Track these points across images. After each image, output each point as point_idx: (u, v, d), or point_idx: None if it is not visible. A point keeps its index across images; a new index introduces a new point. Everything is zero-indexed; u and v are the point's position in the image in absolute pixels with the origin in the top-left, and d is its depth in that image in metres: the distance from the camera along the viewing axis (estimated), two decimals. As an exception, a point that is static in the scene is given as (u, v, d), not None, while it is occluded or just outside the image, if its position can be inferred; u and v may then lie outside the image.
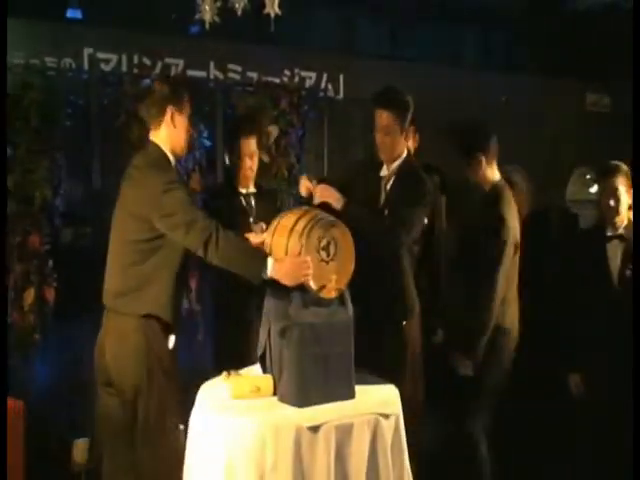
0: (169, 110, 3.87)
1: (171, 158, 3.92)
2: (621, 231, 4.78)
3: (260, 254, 3.67)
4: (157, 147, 3.89)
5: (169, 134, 3.90)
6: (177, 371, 3.94)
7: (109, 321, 3.88)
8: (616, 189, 4.74)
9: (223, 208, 4.63)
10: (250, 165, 4.91)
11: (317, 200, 4.16)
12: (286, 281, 3.58)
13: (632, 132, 4.99)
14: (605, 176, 4.82)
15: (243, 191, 4.93)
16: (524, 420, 5.25)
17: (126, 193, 3.89)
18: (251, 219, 4.75)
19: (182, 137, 3.93)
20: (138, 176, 3.87)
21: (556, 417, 5.27)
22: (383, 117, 4.43)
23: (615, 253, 4.79)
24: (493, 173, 4.63)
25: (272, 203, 5.16)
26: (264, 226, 4.13)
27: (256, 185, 5.01)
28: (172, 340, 3.94)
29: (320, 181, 4.37)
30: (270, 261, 3.61)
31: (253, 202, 4.93)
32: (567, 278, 5.11)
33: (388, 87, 4.56)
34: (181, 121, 3.91)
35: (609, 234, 4.82)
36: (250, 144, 4.90)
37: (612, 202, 4.74)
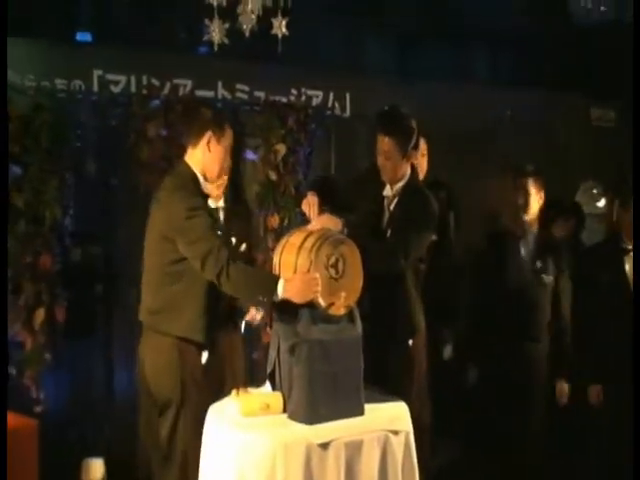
0: (207, 135, 4.01)
1: (201, 180, 4.05)
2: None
3: (270, 279, 3.74)
4: (188, 168, 4.04)
5: (203, 158, 4.04)
6: (210, 385, 4.13)
7: (146, 336, 4.07)
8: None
9: None
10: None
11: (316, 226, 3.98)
12: (297, 299, 3.63)
13: (633, 132, 5.03)
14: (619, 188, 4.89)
15: (212, 205, 4.46)
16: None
17: (154, 215, 4.03)
18: (219, 232, 4.30)
19: (215, 163, 4.06)
20: (165, 199, 3.99)
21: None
22: (384, 142, 4.39)
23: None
24: None
25: (244, 219, 4.87)
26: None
27: (227, 199, 4.68)
28: (205, 356, 4.11)
29: (323, 183, 4.39)
30: (281, 282, 3.66)
31: (222, 216, 4.64)
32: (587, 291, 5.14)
33: (391, 110, 4.53)
34: (217, 148, 4.04)
35: (626, 247, 4.86)
36: None
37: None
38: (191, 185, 4.00)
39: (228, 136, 4.10)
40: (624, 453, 4.47)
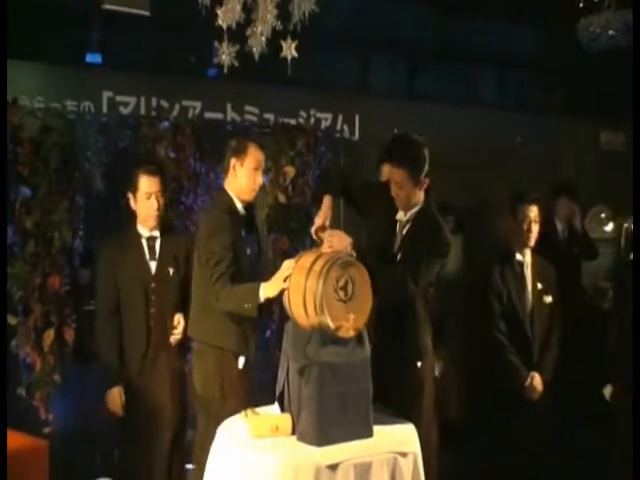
0: (232, 161, 4.50)
1: (236, 202, 4.53)
2: None
3: (253, 288, 4.10)
4: (224, 192, 4.56)
5: (232, 181, 4.53)
6: (249, 388, 4.50)
7: (194, 344, 4.61)
8: None
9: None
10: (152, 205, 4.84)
11: (326, 247, 4.03)
12: (271, 293, 3.99)
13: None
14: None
15: (145, 233, 4.89)
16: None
17: (196, 235, 4.59)
18: (153, 264, 4.87)
19: (243, 185, 4.51)
20: (200, 219, 4.74)
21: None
22: (396, 174, 4.33)
23: None
24: None
25: (181, 247, 4.94)
26: None
27: (162, 227, 4.93)
28: (242, 361, 4.47)
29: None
30: (262, 286, 4.04)
31: (157, 245, 4.90)
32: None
33: (401, 139, 4.49)
34: (242, 171, 4.50)
35: None
36: (151, 183, 4.82)
37: None
38: (223, 206, 4.49)
39: (252, 158, 4.51)
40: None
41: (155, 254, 4.87)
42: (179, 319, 4.80)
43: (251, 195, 4.59)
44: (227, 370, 4.44)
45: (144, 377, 4.78)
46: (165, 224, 4.98)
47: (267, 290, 4.03)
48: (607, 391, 4.98)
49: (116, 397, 4.69)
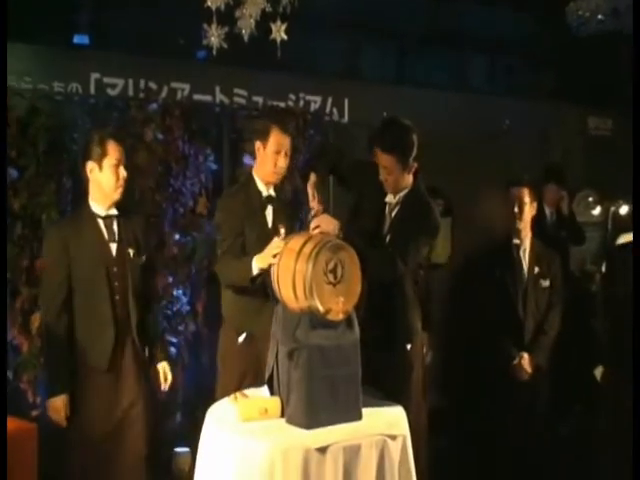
0: (257, 144, 4.60)
1: (259, 183, 4.65)
2: None
3: (245, 262, 4.25)
4: (249, 173, 4.73)
5: (258, 164, 4.65)
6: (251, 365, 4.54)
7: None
8: None
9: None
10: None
11: (313, 229, 4.05)
12: (262, 265, 4.08)
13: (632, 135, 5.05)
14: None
15: (101, 212, 4.35)
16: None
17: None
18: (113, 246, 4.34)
19: (265, 167, 4.59)
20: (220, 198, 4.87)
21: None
22: (385, 159, 4.34)
23: None
24: None
25: (139, 228, 4.54)
26: None
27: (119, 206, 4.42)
28: (242, 336, 4.59)
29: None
30: (254, 259, 4.18)
31: (115, 225, 4.39)
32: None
33: (390, 124, 4.45)
34: (264, 154, 4.57)
35: None
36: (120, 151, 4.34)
37: None
38: (244, 187, 4.70)
39: (274, 141, 4.54)
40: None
41: (114, 235, 4.35)
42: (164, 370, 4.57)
43: (274, 177, 4.63)
44: (227, 344, 4.66)
45: (110, 376, 4.28)
46: (121, 202, 4.42)
47: (259, 261, 4.14)
48: (598, 372, 5.00)
49: (59, 407, 4.20)
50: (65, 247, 4.23)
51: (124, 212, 4.43)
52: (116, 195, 4.31)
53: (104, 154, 4.24)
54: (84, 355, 4.24)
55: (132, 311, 4.34)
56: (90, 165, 4.27)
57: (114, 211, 4.36)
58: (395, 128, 4.40)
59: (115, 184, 4.28)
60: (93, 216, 4.32)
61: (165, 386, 4.58)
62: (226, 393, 4.06)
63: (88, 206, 4.34)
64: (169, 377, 4.58)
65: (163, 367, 4.56)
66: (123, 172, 4.30)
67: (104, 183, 4.27)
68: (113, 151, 4.26)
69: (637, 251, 4.67)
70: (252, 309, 4.54)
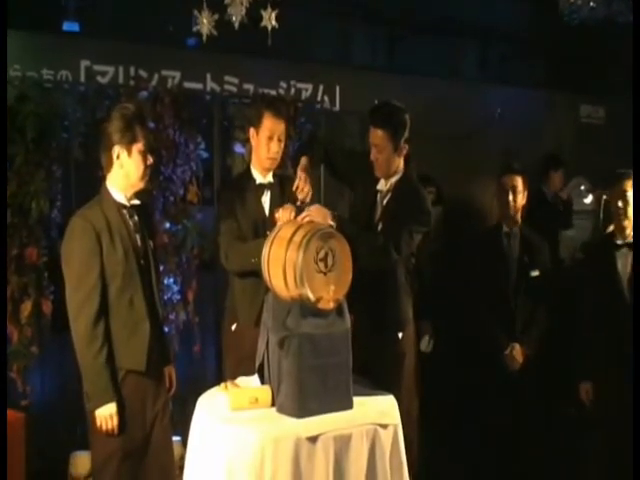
0: (251, 130, 4.58)
1: (253, 170, 4.64)
2: (630, 239, 4.79)
3: (257, 244, 4.08)
4: (246, 162, 4.88)
5: (252, 150, 4.67)
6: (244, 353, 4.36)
7: None
8: (625, 192, 4.80)
9: None
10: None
11: (303, 218, 3.98)
12: None
13: (632, 131, 5.05)
14: (615, 181, 4.91)
15: (123, 201, 4.00)
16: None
17: None
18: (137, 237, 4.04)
19: (259, 153, 4.57)
20: None
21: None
22: (376, 135, 4.40)
23: (625, 261, 4.81)
24: None
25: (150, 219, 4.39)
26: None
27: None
28: (234, 326, 4.61)
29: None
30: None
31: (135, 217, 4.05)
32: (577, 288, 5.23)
33: (384, 104, 4.53)
34: (257, 140, 4.55)
35: (619, 242, 4.85)
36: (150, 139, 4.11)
37: (620, 203, 4.81)
38: (239, 176, 4.84)
39: (266, 127, 4.50)
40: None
41: (137, 226, 3.99)
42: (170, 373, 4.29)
43: (269, 163, 4.59)
44: (225, 330, 4.72)
45: (145, 378, 3.97)
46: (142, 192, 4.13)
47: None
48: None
49: (111, 415, 3.82)
50: (97, 241, 3.80)
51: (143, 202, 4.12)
52: (142, 184, 3.98)
53: (134, 139, 3.86)
54: (119, 357, 3.86)
55: (159, 305, 4.10)
56: (117, 150, 3.86)
57: (136, 201, 4.01)
58: (388, 106, 4.49)
59: (143, 172, 3.93)
60: (118, 206, 3.93)
61: (170, 392, 4.26)
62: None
63: (109, 194, 3.93)
64: (174, 383, 4.28)
65: (169, 371, 4.25)
66: (151, 159, 3.94)
67: (132, 171, 3.89)
68: (141, 136, 3.90)
69: (637, 251, 4.68)
70: (245, 298, 4.54)
